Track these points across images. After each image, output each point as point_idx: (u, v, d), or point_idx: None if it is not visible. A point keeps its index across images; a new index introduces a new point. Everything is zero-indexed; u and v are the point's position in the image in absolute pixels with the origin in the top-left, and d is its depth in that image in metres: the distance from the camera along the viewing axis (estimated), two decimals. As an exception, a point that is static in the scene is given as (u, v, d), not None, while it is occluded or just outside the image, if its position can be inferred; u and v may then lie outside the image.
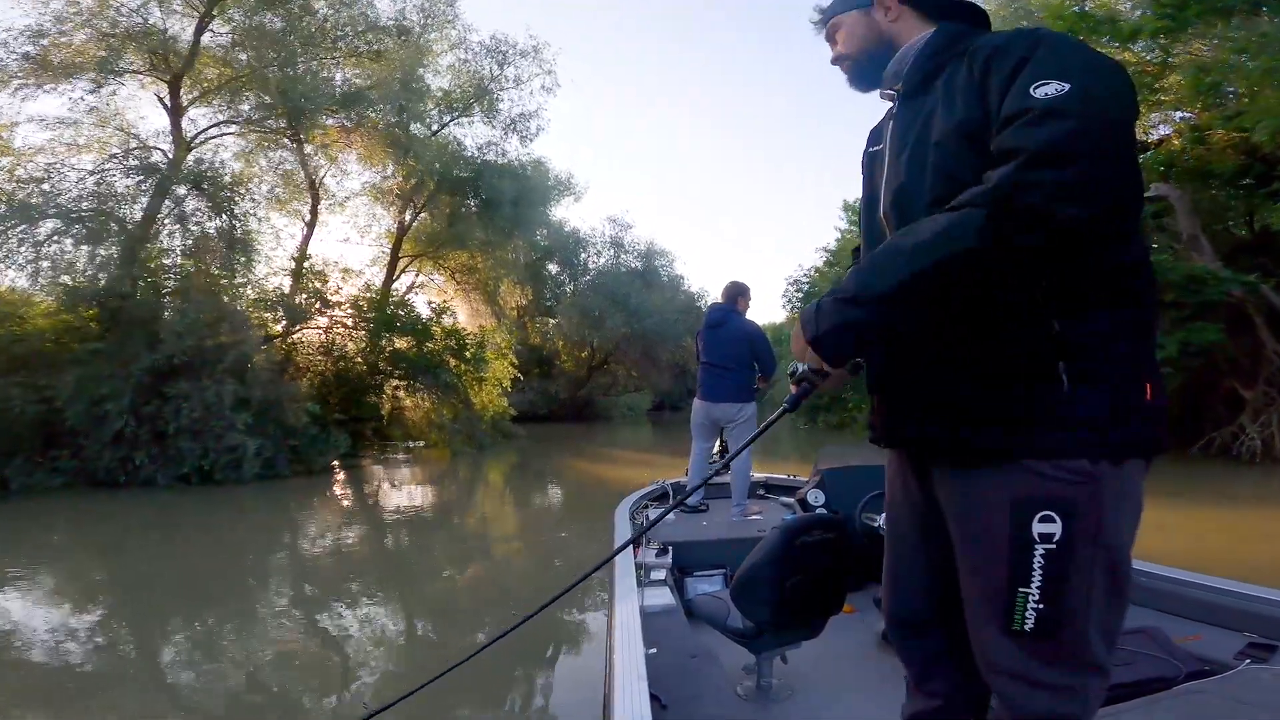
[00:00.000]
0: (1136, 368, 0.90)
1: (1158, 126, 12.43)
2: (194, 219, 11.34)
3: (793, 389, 1.08)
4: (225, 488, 9.02)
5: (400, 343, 14.19)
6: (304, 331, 13.23)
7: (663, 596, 2.19)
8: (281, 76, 11.72)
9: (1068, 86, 0.79)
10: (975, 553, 0.95)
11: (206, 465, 9.14)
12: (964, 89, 0.92)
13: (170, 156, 11.39)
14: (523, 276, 23.86)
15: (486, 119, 17.71)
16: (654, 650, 1.71)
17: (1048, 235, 0.77)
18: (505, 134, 18.11)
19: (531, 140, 18.51)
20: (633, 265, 28.58)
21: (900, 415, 1.05)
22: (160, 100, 11.78)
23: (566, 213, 29.05)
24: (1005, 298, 0.88)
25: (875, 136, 1.16)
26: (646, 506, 3.89)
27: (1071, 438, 0.87)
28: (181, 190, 11.11)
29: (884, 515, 2.42)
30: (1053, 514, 0.87)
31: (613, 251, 29.02)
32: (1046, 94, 0.80)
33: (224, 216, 11.47)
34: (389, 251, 18.04)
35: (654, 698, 1.42)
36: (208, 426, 9.24)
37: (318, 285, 13.39)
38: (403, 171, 16.16)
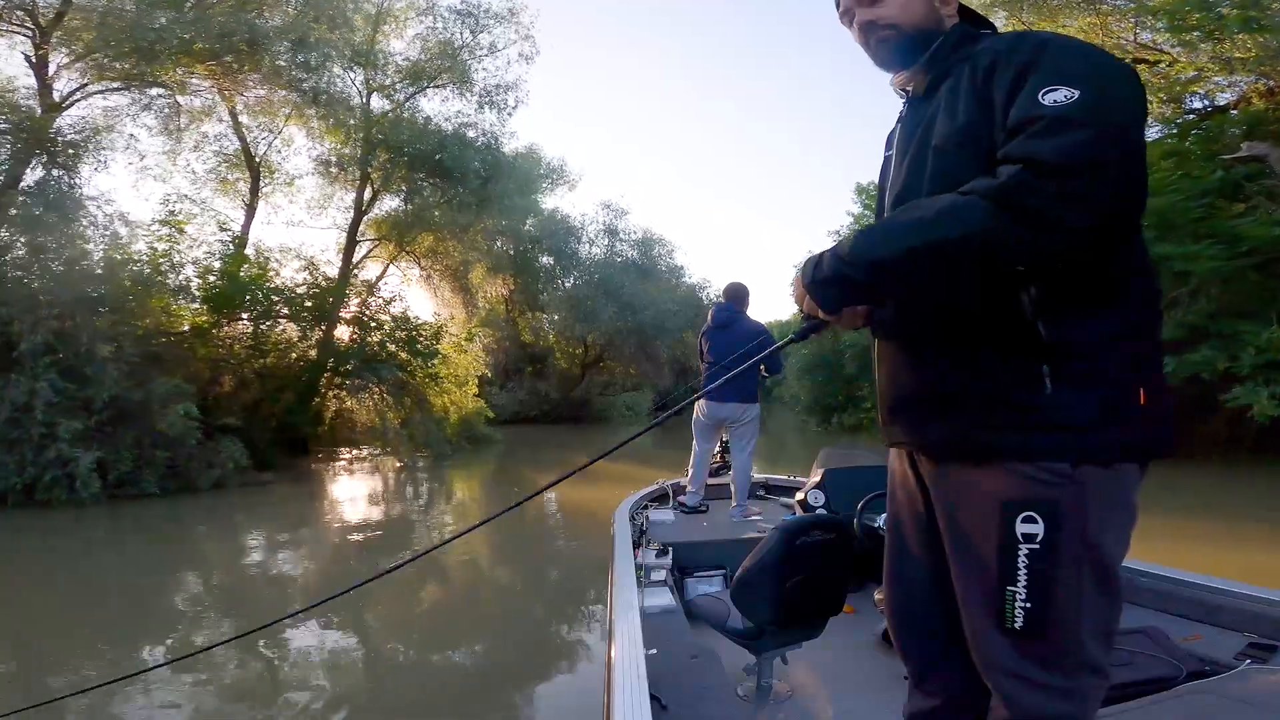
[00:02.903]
0: (1128, 371, 0.92)
1: (1231, 87, 11.69)
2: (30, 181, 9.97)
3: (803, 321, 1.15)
4: (60, 511, 7.46)
5: (344, 335, 12.73)
6: (234, 324, 11.81)
7: (663, 597, 2.22)
8: (135, 14, 10.10)
9: (1077, 93, 0.81)
10: (966, 551, 0.99)
11: (19, 484, 7.56)
12: (966, 94, 0.95)
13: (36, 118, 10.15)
14: (504, 265, 23.14)
15: (459, 91, 16.56)
16: (654, 651, 1.74)
17: (1049, 238, 0.80)
18: (480, 107, 17.06)
19: (510, 114, 17.43)
20: (628, 255, 27.90)
21: (896, 416, 1.10)
22: (27, 59, 10.73)
23: (561, 201, 28.33)
24: (992, 299, 0.92)
25: (890, 141, 1.19)
26: (647, 507, 3.92)
27: (1053, 440, 0.91)
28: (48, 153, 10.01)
29: (885, 515, 2.45)
30: (1035, 515, 0.91)
31: (607, 240, 28.24)
32: (1056, 101, 0.81)
33: (64, 175, 10.00)
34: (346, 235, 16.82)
35: (654, 698, 1.45)
36: (27, 434, 7.64)
37: (238, 270, 11.84)
38: (339, 138, 15.20)
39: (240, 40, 11.24)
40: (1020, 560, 0.91)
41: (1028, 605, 0.91)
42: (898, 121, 1.15)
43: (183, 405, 8.82)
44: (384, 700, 3.19)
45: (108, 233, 10.18)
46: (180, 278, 11.08)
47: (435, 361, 13.96)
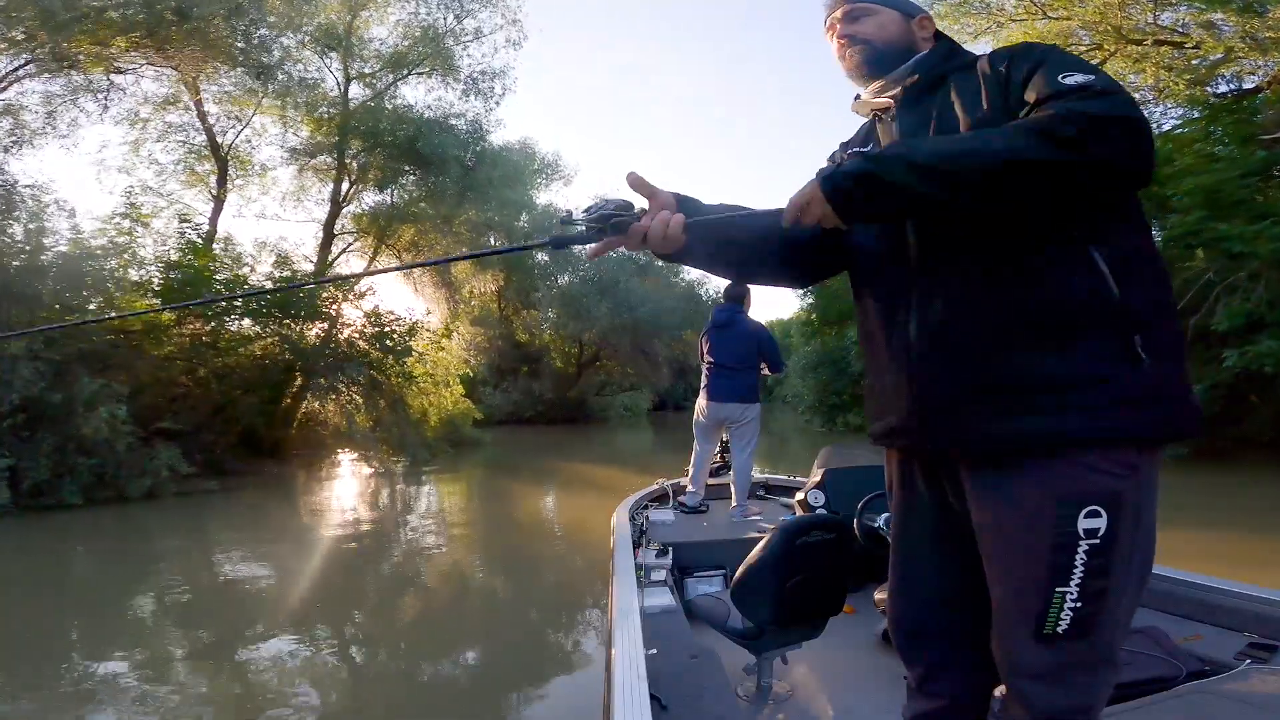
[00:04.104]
0: (1179, 348, 0.95)
1: (1261, 69, 11.49)
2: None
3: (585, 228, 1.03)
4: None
5: (310, 331, 11.87)
6: (199, 321, 11.11)
7: (663, 597, 2.24)
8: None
9: (1093, 77, 0.91)
10: (1012, 554, 0.96)
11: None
12: (989, 90, 1.02)
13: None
14: (493, 260, 22.70)
15: (443, 79, 16.09)
16: (654, 651, 1.76)
17: (1075, 157, 0.85)
18: (466, 95, 16.57)
19: (497, 103, 16.99)
20: (624, 249, 27.76)
21: (940, 417, 1.01)
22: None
23: (556, 197, 28.07)
24: (1058, 266, 0.93)
25: (859, 143, 1.26)
26: (647, 507, 3.94)
27: (1125, 422, 0.89)
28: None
29: (885, 516, 2.46)
30: (1099, 509, 0.89)
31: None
32: (1075, 80, 0.90)
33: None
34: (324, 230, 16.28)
35: (654, 698, 1.46)
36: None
37: (204, 264, 11.18)
38: (311, 125, 14.83)
39: (165, 9, 10.40)
40: (1078, 558, 0.89)
41: (1078, 605, 0.90)
42: (872, 126, 1.22)
43: (107, 408, 8.09)
44: (382, 701, 3.20)
45: (34, 223, 9.39)
46: (141, 273, 10.51)
47: (409, 360, 13.21)
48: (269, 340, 11.86)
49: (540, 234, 26.16)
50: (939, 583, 1.12)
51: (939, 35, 1.20)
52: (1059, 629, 0.91)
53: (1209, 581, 2.07)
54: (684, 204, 1.10)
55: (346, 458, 12.68)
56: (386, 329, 12.82)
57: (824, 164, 1.33)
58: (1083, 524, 0.89)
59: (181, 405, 10.09)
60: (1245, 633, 1.87)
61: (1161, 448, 0.96)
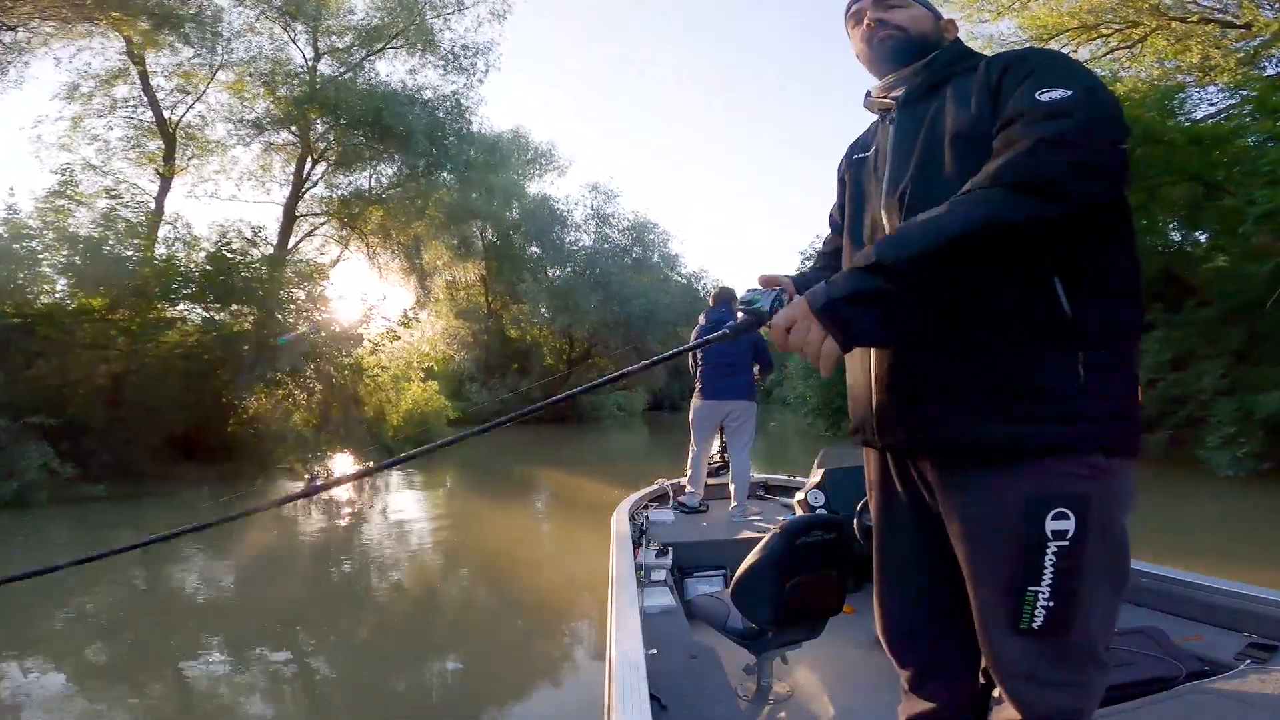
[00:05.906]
0: (1137, 362, 1.00)
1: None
2: None
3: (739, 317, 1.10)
4: None
5: (246, 314, 10.83)
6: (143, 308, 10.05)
7: (663, 597, 2.27)
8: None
9: (1070, 93, 0.91)
10: (982, 554, 1.00)
11: None
12: (978, 94, 1.03)
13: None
14: (478, 250, 22.37)
15: (423, 54, 15.52)
16: (654, 651, 1.78)
17: (1059, 207, 0.85)
18: (446, 71, 16.01)
19: (481, 80, 16.53)
20: (619, 241, 27.34)
21: (901, 416, 1.07)
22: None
23: (550, 188, 27.67)
24: (1023, 286, 0.95)
25: (862, 145, 1.28)
26: (646, 507, 3.97)
27: (1087, 430, 0.94)
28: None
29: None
30: (1067, 510, 0.93)
31: (596, 226, 27.52)
32: (1051, 98, 0.91)
33: None
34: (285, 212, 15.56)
35: (654, 698, 1.49)
36: None
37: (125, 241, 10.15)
38: (269, 97, 14.37)
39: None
40: (1047, 559, 0.93)
41: (1050, 604, 0.93)
42: (873, 129, 1.25)
43: None
44: (382, 701, 3.21)
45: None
46: (70, 255, 9.59)
47: (358, 352, 12.17)
48: (191, 327, 10.82)
49: (530, 220, 25.73)
50: (924, 582, 1.14)
51: (955, 41, 1.23)
52: (1034, 626, 0.94)
53: (1209, 581, 2.11)
54: (796, 282, 1.20)
55: (292, 461, 11.24)
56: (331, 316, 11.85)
57: (837, 166, 1.35)
58: (1050, 525, 0.92)
59: (92, 400, 9.22)
60: (1245, 633, 1.91)
61: (1133, 453, 0.99)
